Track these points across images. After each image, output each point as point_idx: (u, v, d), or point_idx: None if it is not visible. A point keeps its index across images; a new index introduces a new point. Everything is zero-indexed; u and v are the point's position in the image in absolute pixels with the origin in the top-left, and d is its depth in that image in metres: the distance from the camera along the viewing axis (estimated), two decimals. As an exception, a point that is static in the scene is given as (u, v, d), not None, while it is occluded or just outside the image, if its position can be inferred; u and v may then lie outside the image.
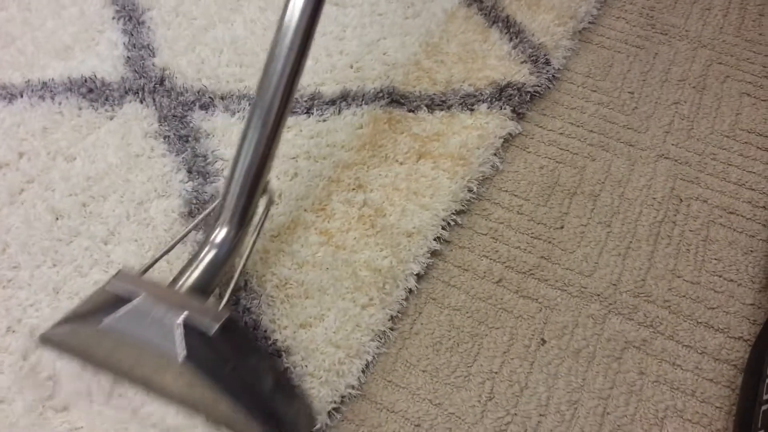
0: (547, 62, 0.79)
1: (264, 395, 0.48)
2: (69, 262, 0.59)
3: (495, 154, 0.72)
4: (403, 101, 0.75)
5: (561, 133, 0.75)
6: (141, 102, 0.72)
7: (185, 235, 0.55)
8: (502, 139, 0.73)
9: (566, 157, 0.73)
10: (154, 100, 0.72)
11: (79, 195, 0.64)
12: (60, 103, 0.71)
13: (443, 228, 0.65)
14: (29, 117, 0.70)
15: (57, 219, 0.62)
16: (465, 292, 0.61)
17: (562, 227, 0.67)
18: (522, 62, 0.79)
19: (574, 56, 0.84)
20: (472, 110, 0.75)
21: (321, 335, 0.57)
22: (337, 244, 0.62)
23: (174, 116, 0.71)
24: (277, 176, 0.67)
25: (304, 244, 0.62)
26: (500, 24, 0.83)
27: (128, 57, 0.76)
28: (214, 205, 0.56)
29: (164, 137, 0.69)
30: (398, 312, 0.59)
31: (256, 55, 0.78)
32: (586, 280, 0.62)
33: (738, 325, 0.59)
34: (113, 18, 0.81)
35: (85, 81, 0.73)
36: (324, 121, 0.72)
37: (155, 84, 0.74)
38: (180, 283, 0.49)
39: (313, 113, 0.73)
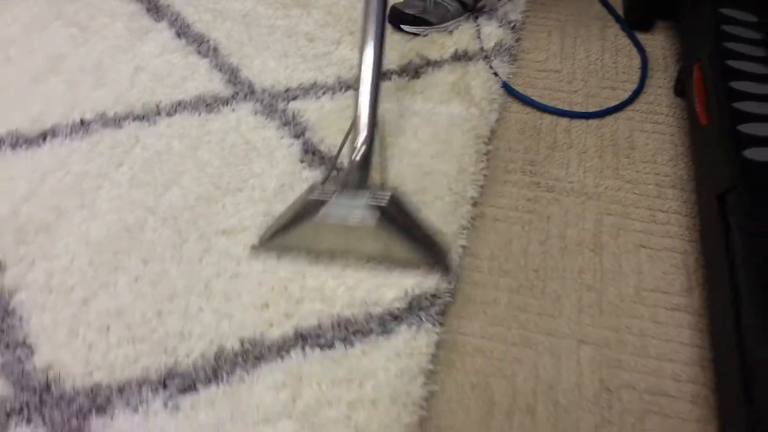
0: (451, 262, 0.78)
1: (424, 234, 0.76)
2: None
3: (426, 383, 0.69)
4: (314, 338, 0.72)
5: (482, 337, 0.74)
6: (28, 423, 0.64)
7: (341, 151, 0.82)
8: (430, 365, 0.70)
9: (494, 366, 0.72)
10: (43, 417, 0.64)
11: None
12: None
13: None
14: None
15: None
16: None
17: (508, 459, 0.65)
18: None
19: (475, 239, 0.84)
20: (390, 335, 0.72)
21: None
22: None
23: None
24: None
25: None
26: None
27: (3, 364, 0.68)
28: (350, 126, 0.77)
29: (63, 466, 0.61)
30: None
31: (148, 322, 0.72)
32: None
33: None
34: (-25, 313, 0.72)
35: (-44, 416, 0.64)
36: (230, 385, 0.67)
37: (41, 394, 0.66)
38: (350, 179, 0.74)
39: (222, 379, 0.68)
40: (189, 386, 0.67)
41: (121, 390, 0.67)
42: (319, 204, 0.71)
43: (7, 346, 0.69)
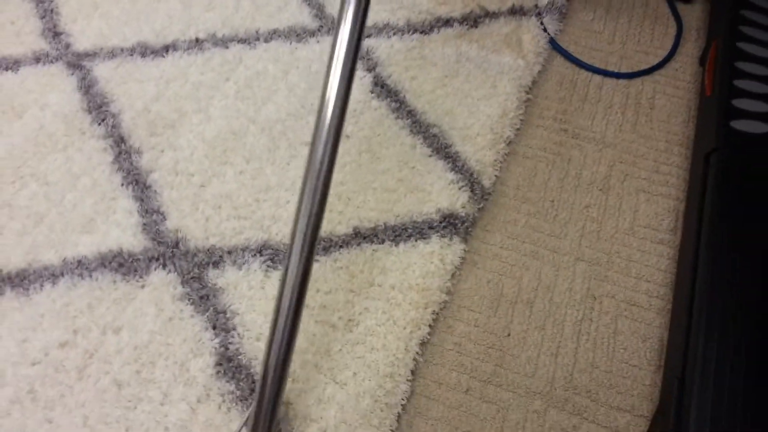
0: (483, 187, 0.99)
1: None
2: (138, 427, 0.77)
3: (452, 276, 0.91)
4: (369, 236, 0.94)
5: (501, 247, 0.95)
6: (164, 268, 0.88)
7: None
8: (458, 263, 0.92)
9: (507, 269, 0.93)
10: (174, 264, 0.88)
11: (133, 364, 0.81)
12: (97, 279, 0.87)
13: (418, 350, 0.84)
14: (75, 296, 0.86)
15: (120, 389, 0.79)
16: (442, 403, 0.81)
17: (509, 335, 0.87)
18: (462, 189, 0.98)
19: (505, 171, 1.03)
20: (428, 239, 0.94)
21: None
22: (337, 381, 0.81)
23: (193, 278, 0.88)
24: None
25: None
26: (442, 153, 1.01)
27: (144, 224, 0.92)
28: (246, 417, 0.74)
29: (189, 299, 0.86)
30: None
31: (249, 206, 0.95)
32: (530, 380, 0.83)
33: (640, 405, 0.82)
34: (122, 184, 0.96)
35: (115, 256, 0.88)
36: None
37: (172, 249, 0.90)
38: None
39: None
40: (277, 257, 0.90)
41: (230, 252, 0.90)
42: None
43: (146, 211, 0.93)
